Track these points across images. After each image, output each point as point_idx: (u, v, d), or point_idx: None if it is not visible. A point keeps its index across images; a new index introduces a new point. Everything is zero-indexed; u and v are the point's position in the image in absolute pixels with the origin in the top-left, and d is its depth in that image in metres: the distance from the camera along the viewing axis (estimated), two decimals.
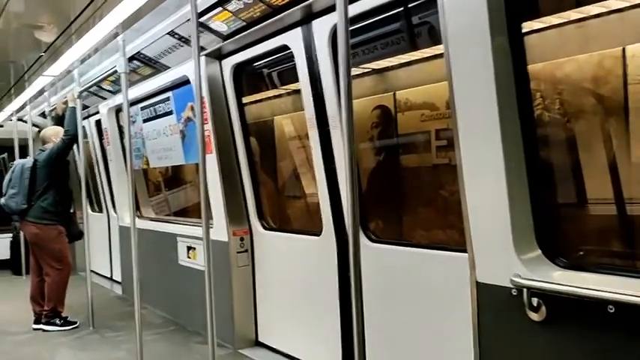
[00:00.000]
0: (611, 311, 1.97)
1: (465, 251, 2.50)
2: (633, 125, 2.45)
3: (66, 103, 5.54)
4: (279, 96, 4.80)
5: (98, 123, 7.25)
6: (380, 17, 3.26)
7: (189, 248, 5.17)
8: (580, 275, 2.18)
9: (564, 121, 2.69)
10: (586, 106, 2.67)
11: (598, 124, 2.64)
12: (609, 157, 2.61)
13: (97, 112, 7.04)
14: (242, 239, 4.53)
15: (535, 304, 2.20)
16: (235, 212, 4.54)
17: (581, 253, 2.50)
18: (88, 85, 5.40)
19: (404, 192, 3.98)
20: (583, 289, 2.04)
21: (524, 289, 2.20)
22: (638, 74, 2.39)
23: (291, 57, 3.75)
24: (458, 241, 2.98)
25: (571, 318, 2.13)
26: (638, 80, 2.39)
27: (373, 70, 3.85)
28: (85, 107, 6.70)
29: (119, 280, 7.23)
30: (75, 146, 6.05)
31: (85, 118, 7.25)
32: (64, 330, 5.33)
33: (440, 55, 2.62)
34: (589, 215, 2.73)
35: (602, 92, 2.60)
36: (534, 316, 2.21)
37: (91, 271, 5.82)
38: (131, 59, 4.87)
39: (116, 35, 4.22)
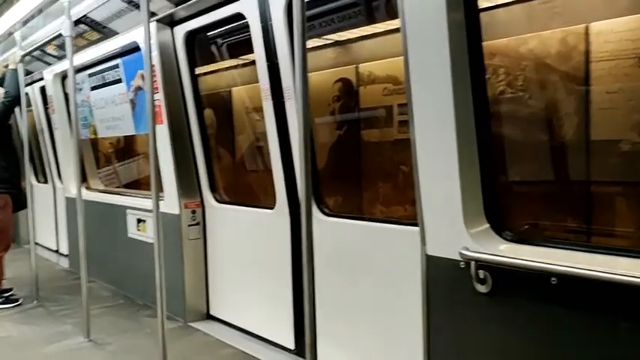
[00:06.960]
0: (554, 283, 2.04)
1: (416, 225, 2.53)
2: (585, 105, 2.52)
3: (7, 66, 5.25)
4: (236, 67, 4.69)
5: (43, 90, 6.93)
6: None
7: (139, 221, 5.06)
8: (525, 248, 2.24)
9: (514, 98, 2.74)
10: (535, 83, 2.72)
11: (550, 102, 2.69)
12: (554, 135, 2.67)
13: (42, 79, 6.73)
14: (194, 212, 4.47)
15: (482, 276, 2.26)
16: (187, 185, 4.46)
17: (527, 227, 2.58)
18: (31, 49, 5.15)
19: (365, 166, 3.97)
20: (527, 261, 2.10)
21: (472, 262, 2.26)
22: (602, 51, 2.42)
23: (247, 26, 3.66)
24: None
25: (516, 290, 2.19)
26: (600, 57, 2.43)
27: (336, 42, 3.79)
28: (28, 73, 6.39)
29: (66, 253, 7.03)
30: (18, 112, 5.76)
31: (28, 85, 6.93)
32: (6, 308, 5.13)
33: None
34: (535, 191, 2.80)
35: (558, 69, 2.64)
36: (481, 288, 2.27)
37: (36, 243, 5.62)
38: (77, 23, 4.64)
39: None
